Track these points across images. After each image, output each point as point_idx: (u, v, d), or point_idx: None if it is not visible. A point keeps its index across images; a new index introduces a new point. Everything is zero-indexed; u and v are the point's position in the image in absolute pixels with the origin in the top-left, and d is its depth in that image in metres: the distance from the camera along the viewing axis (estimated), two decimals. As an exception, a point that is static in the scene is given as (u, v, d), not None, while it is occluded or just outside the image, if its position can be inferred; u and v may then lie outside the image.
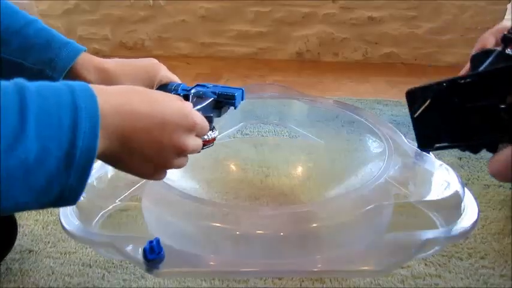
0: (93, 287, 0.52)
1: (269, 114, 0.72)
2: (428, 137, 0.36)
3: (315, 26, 1.44)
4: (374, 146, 0.58)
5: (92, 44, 1.59)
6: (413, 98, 0.37)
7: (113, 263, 0.56)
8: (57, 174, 0.25)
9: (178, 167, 0.34)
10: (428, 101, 0.35)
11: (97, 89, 0.28)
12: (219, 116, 0.46)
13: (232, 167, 0.74)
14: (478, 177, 0.75)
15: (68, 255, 0.58)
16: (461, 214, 0.40)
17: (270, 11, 1.44)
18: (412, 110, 0.37)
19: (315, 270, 0.35)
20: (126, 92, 0.31)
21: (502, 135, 0.30)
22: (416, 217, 0.41)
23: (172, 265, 0.34)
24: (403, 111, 1.03)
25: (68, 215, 0.41)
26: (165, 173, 0.34)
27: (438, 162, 0.48)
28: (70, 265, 0.56)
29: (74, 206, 0.42)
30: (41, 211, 0.66)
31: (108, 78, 0.46)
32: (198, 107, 0.41)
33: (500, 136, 0.30)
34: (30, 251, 0.58)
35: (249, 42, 1.50)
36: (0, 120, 0.23)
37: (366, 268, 0.35)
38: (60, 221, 0.41)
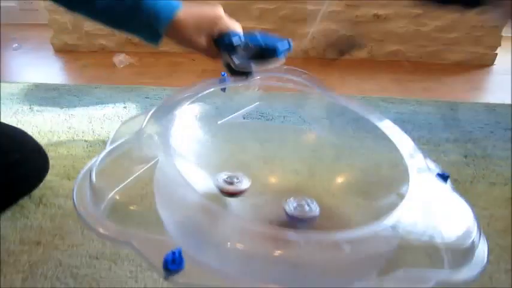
0: (100, 278, 0.53)
1: (285, 101, 0.72)
2: None
3: (321, 24, 1.44)
4: (380, 144, 0.58)
5: (98, 40, 1.60)
6: None
7: (119, 255, 0.57)
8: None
9: None
10: None
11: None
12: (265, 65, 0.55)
13: (237, 162, 0.74)
14: (484, 175, 0.75)
15: (75, 247, 0.58)
16: (472, 259, 0.39)
17: (275, 8, 1.44)
18: None
19: None
20: None
21: None
22: (423, 251, 0.41)
23: (191, 276, 0.34)
24: (408, 108, 1.03)
25: (81, 200, 0.41)
26: None
27: (455, 194, 0.48)
28: (77, 257, 0.57)
29: (89, 187, 0.42)
30: (48, 205, 0.67)
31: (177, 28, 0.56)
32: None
33: None
34: (38, 243, 0.59)
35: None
36: None
37: None
38: (78, 212, 0.40)
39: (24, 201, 0.68)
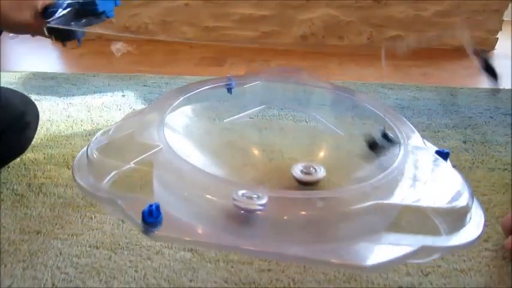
0: (100, 268, 0.53)
1: (291, 99, 0.72)
2: None
3: (320, 9, 1.43)
4: (379, 130, 0.58)
5: (96, 28, 1.58)
6: None
7: (119, 245, 0.57)
8: None
9: None
10: None
11: None
12: (87, 25, 0.54)
13: (236, 150, 0.74)
14: (483, 160, 0.75)
15: (75, 236, 0.59)
16: (466, 224, 0.39)
17: (274, -6, 1.43)
18: None
19: (299, 255, 0.35)
20: None
21: None
22: (419, 220, 0.41)
23: (169, 231, 0.35)
24: (407, 94, 1.02)
25: (80, 169, 0.43)
26: None
27: (449, 164, 0.48)
28: (77, 246, 0.57)
29: (88, 162, 0.44)
30: (47, 194, 0.67)
31: None
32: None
33: None
34: (38, 233, 0.59)
35: (253, 25, 1.49)
36: None
37: (352, 263, 0.34)
38: (73, 174, 0.43)
39: (24, 190, 0.68)
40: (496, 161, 0.75)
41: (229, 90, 0.66)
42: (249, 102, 0.73)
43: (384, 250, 0.35)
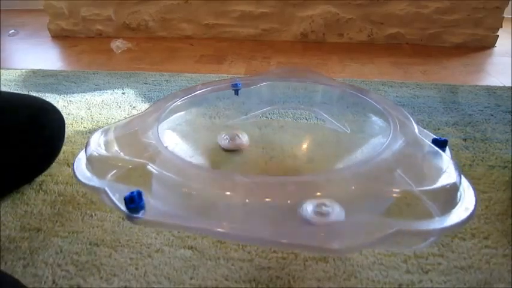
0: (100, 265, 0.53)
1: (296, 98, 0.73)
2: None
3: (320, 7, 1.43)
4: (380, 126, 0.58)
5: (95, 25, 1.58)
6: None
7: (120, 242, 0.57)
8: None
9: None
10: None
11: None
12: None
13: (236, 147, 0.74)
14: (483, 158, 0.75)
15: (75, 234, 0.59)
16: (457, 204, 0.39)
17: (275, -9, 1.42)
18: None
19: (283, 241, 0.35)
20: None
21: None
22: (410, 204, 0.40)
23: (150, 217, 0.37)
24: (408, 92, 1.02)
25: (80, 167, 0.45)
26: None
27: (448, 152, 0.47)
28: (78, 244, 0.57)
29: (87, 161, 0.45)
30: (48, 192, 0.67)
31: None
32: None
33: None
34: (38, 230, 0.59)
35: (253, 23, 1.49)
36: None
37: (318, 245, 0.34)
38: (73, 168, 0.45)
39: (24, 187, 0.68)
40: (496, 158, 0.75)
41: (236, 92, 0.67)
42: (256, 103, 0.73)
43: (356, 233, 0.34)
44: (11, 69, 1.24)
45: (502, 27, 1.39)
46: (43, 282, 0.51)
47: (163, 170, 0.41)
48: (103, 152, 0.46)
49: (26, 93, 1.05)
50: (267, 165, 0.71)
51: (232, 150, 0.72)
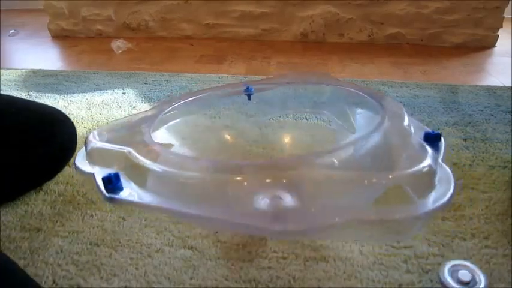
0: (100, 265, 0.53)
1: (305, 101, 0.72)
2: None
3: (320, 7, 1.43)
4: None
5: (96, 25, 1.58)
6: None
7: (120, 242, 0.57)
8: None
9: None
10: None
11: None
12: None
13: (236, 148, 0.74)
14: (483, 158, 0.75)
15: (75, 234, 0.59)
16: (435, 186, 0.38)
17: (275, -9, 1.42)
18: None
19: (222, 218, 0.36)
20: None
21: None
22: (390, 190, 0.40)
23: (127, 196, 0.38)
24: (408, 92, 1.02)
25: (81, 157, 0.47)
26: None
27: (443, 143, 0.47)
28: (78, 244, 0.57)
29: (86, 154, 0.47)
30: (48, 191, 0.67)
31: None
32: None
33: None
34: (38, 230, 0.59)
35: (253, 23, 1.49)
36: None
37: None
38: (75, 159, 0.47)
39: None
40: (496, 158, 0.75)
41: (249, 96, 0.67)
42: (269, 108, 0.73)
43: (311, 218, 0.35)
44: (11, 69, 1.24)
45: (502, 27, 1.39)
46: (43, 282, 0.51)
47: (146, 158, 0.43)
48: (100, 144, 0.47)
49: (27, 93, 1.05)
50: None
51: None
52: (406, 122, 0.48)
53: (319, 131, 0.77)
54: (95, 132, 0.50)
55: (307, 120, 0.85)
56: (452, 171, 0.39)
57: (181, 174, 0.40)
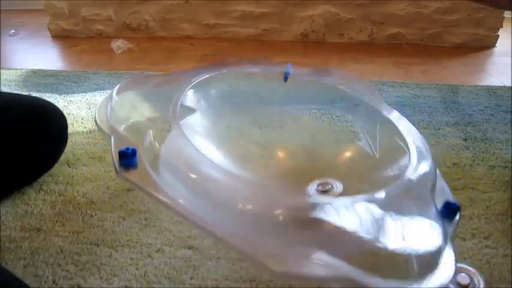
0: (101, 265, 0.53)
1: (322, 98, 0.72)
2: None
3: (320, 7, 1.43)
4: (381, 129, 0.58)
5: (96, 25, 1.58)
6: None
7: (120, 242, 0.57)
8: None
9: None
10: None
11: None
12: None
13: (236, 148, 0.74)
14: (483, 158, 0.75)
15: (76, 234, 0.59)
16: (438, 264, 0.35)
17: (275, -9, 1.42)
18: None
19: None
20: None
21: None
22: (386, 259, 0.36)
23: (139, 178, 0.37)
24: (408, 92, 1.02)
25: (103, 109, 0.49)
26: None
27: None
28: (78, 244, 0.57)
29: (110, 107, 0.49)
30: (48, 191, 0.67)
31: None
32: None
33: None
34: (38, 230, 0.59)
35: (253, 23, 1.49)
36: None
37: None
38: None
39: (24, 187, 0.68)
40: (496, 158, 0.75)
41: (285, 78, 0.65)
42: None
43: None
44: (11, 69, 1.24)
45: (502, 27, 1.39)
46: (43, 282, 0.51)
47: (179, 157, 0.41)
48: (125, 104, 0.48)
49: (27, 93, 1.05)
50: (267, 165, 0.71)
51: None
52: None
53: (320, 131, 0.77)
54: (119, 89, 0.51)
55: (308, 120, 0.85)
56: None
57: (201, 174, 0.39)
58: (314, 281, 0.32)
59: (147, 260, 0.54)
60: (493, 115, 0.91)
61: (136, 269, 0.53)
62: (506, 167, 0.72)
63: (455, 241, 0.56)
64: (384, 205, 0.38)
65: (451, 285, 0.44)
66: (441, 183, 0.46)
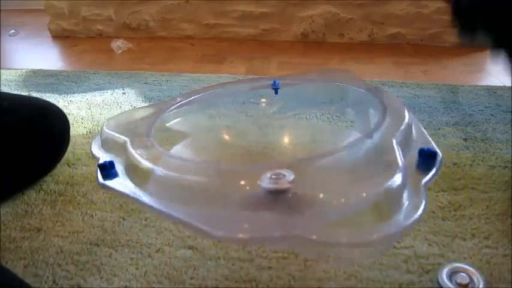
0: (101, 265, 0.53)
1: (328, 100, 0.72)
2: None
3: (320, 7, 1.43)
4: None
5: (96, 25, 1.58)
6: None
7: (120, 242, 0.57)
8: None
9: None
10: None
11: None
12: None
13: (237, 148, 0.74)
14: (483, 158, 0.75)
15: (76, 234, 0.59)
16: (403, 205, 0.34)
17: (275, -9, 1.42)
18: None
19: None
20: None
21: None
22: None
23: (120, 186, 0.40)
24: (408, 92, 1.02)
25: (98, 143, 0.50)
26: None
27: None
28: (78, 244, 0.57)
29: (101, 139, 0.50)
30: (48, 192, 0.67)
31: None
32: None
33: None
34: (38, 230, 0.59)
35: (253, 23, 1.49)
36: None
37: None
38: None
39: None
40: (496, 158, 0.75)
41: (276, 90, 0.67)
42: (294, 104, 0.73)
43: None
44: (11, 69, 1.24)
45: (502, 27, 1.39)
46: (43, 282, 0.51)
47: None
48: (113, 133, 0.49)
49: (27, 93, 1.05)
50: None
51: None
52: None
53: (320, 131, 0.77)
54: (110, 122, 0.53)
55: (308, 120, 0.85)
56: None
57: (177, 176, 0.41)
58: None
59: (147, 260, 0.54)
60: (493, 115, 0.91)
61: (136, 269, 0.53)
62: (506, 167, 0.72)
63: (456, 241, 0.56)
64: (343, 164, 0.41)
65: (451, 285, 0.44)
66: (424, 137, 0.47)
